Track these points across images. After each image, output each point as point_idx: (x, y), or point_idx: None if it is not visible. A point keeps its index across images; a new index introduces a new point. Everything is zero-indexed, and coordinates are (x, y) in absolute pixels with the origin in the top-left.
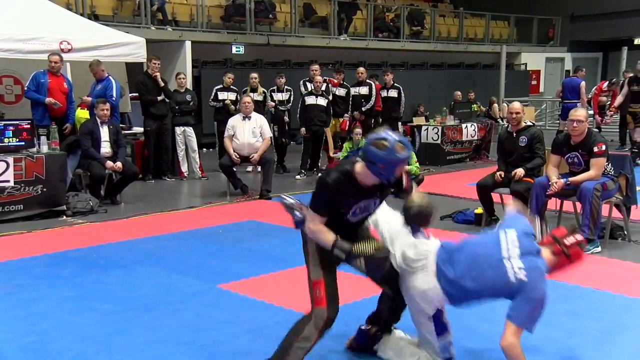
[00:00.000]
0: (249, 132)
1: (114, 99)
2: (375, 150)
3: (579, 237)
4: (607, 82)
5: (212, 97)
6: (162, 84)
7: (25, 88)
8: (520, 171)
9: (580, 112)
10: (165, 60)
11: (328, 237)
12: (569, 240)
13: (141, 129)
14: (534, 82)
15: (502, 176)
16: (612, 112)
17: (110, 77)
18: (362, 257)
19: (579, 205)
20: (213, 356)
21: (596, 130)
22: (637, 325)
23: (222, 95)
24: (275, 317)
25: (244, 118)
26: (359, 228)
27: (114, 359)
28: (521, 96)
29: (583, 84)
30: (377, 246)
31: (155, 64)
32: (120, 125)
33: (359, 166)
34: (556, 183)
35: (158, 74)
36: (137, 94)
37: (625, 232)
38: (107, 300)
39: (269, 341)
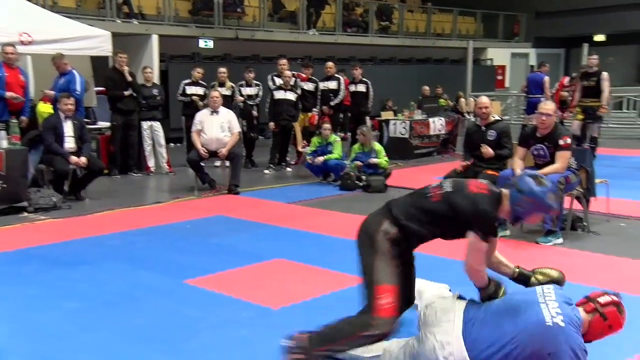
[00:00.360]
0: (217, 127)
1: (77, 93)
2: (531, 182)
3: (615, 297)
4: (568, 78)
5: (180, 91)
6: (130, 79)
7: None
8: (488, 149)
9: (549, 106)
10: (131, 54)
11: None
12: (604, 299)
13: (107, 124)
14: (499, 77)
15: (465, 166)
16: (571, 112)
17: (74, 70)
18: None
19: None
20: (180, 353)
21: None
22: None
23: (190, 90)
24: (244, 312)
25: (212, 113)
26: None
27: (79, 357)
28: (487, 91)
29: (547, 79)
30: (557, 275)
31: (121, 58)
32: (85, 119)
33: (505, 195)
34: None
35: (126, 68)
36: (103, 88)
37: (585, 224)
38: (72, 297)
39: (237, 336)
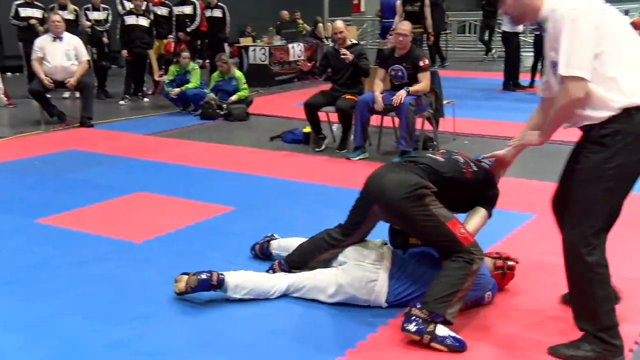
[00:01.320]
0: (62, 55)
1: None
2: None
3: (516, 264)
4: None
5: (12, 14)
6: None
7: None
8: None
9: (405, 26)
10: None
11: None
12: (512, 263)
13: None
14: (355, 2)
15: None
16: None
17: None
18: None
19: (396, 120)
20: (36, 295)
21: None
22: None
23: (24, 12)
24: (103, 248)
25: (54, 39)
26: None
27: None
28: (344, 16)
29: (399, 2)
30: None
31: None
32: None
33: None
34: (398, 95)
35: None
36: None
37: (435, 143)
38: None
39: (97, 271)
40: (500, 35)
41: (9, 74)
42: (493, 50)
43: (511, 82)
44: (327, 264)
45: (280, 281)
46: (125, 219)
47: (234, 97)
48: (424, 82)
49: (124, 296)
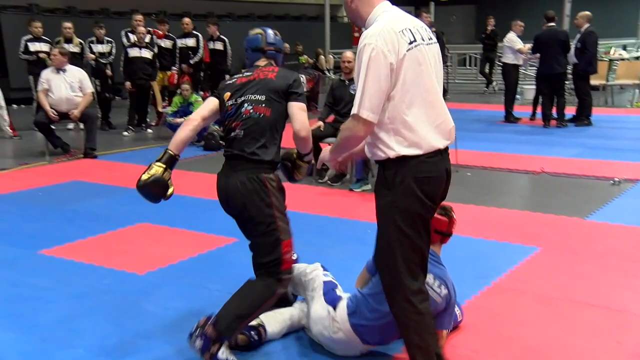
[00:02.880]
0: (66, 86)
1: None
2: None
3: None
4: None
5: (21, 49)
6: None
7: None
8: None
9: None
10: None
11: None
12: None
13: None
14: (356, 34)
15: (323, 128)
16: None
17: None
18: None
19: None
20: (33, 327)
21: None
22: None
23: (33, 47)
24: (105, 279)
25: (57, 71)
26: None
27: None
28: (345, 48)
29: None
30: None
31: None
32: None
33: None
34: None
35: None
36: None
37: None
38: None
39: (98, 303)
40: (500, 67)
41: (14, 106)
42: (494, 83)
43: (513, 114)
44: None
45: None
46: (128, 250)
47: None
48: None
49: (122, 329)
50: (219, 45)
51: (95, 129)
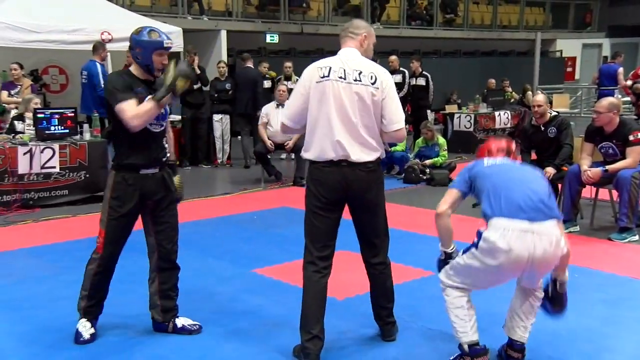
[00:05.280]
0: None
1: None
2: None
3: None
4: None
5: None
6: (198, 72)
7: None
8: (550, 170)
9: (602, 103)
10: (201, 49)
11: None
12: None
13: (178, 117)
14: (569, 69)
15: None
16: None
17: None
18: None
19: (615, 193)
20: (247, 339)
21: (635, 117)
22: None
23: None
24: None
25: (277, 106)
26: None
27: (153, 341)
28: (555, 83)
29: (621, 70)
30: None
31: (193, 59)
32: None
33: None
34: (591, 171)
35: (195, 62)
36: None
37: None
38: (144, 282)
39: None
40: None
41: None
42: None
43: None
44: None
45: None
46: (333, 273)
47: (428, 162)
48: (630, 159)
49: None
50: (421, 81)
51: (305, 160)
